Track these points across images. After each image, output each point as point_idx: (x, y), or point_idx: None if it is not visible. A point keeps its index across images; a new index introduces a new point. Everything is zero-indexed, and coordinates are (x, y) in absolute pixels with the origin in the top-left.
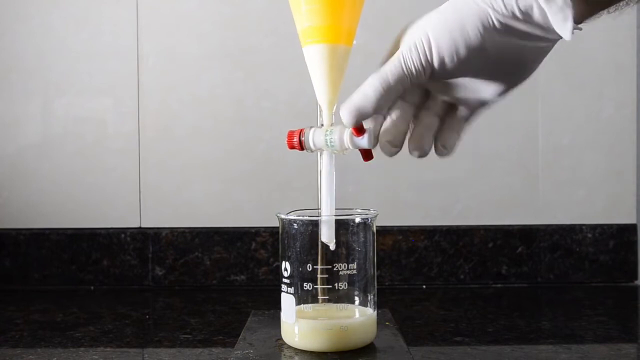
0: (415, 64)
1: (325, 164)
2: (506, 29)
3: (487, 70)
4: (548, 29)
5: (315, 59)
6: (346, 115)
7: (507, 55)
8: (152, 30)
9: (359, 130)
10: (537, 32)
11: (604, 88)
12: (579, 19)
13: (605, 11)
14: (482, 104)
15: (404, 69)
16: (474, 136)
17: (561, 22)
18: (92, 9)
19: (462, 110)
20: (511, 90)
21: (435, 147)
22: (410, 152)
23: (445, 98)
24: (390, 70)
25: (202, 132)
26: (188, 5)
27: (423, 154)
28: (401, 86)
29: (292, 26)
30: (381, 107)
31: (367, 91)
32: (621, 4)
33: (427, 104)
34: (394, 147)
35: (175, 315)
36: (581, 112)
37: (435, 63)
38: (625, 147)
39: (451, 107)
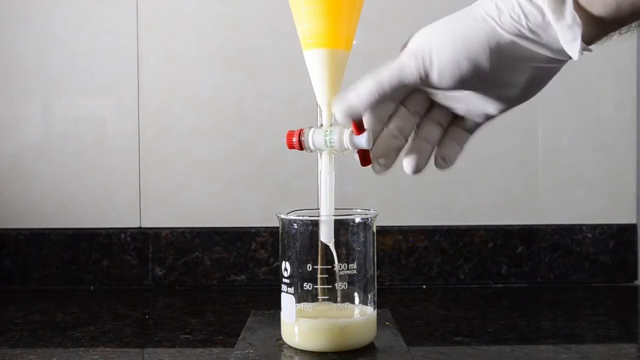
0: (413, 75)
1: (324, 164)
2: (513, 49)
3: (490, 89)
4: (557, 50)
5: (315, 62)
6: (338, 112)
7: (512, 75)
8: (152, 30)
9: (359, 127)
10: (545, 52)
11: (604, 88)
12: (589, 40)
13: (617, 32)
14: (486, 118)
15: (401, 77)
16: (474, 136)
17: (570, 42)
18: (92, 9)
19: (466, 122)
20: (516, 105)
21: (435, 159)
22: (404, 166)
23: (450, 107)
24: (387, 76)
25: (202, 132)
26: (188, 6)
27: (417, 170)
28: (396, 93)
29: (292, 27)
30: (372, 108)
31: (361, 92)
32: (633, 25)
33: (431, 114)
34: (384, 166)
35: (175, 315)
36: (581, 112)
37: (435, 78)
38: (625, 147)
39: (455, 118)
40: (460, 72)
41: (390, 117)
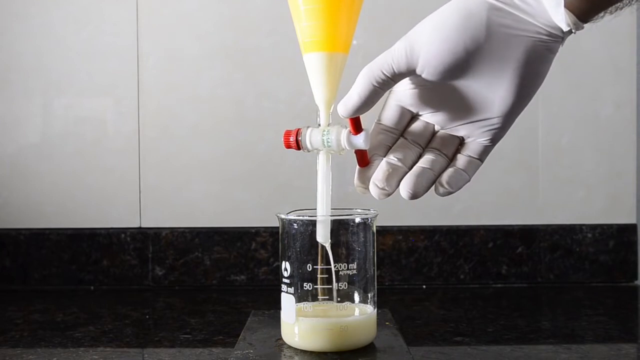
0: (401, 53)
1: (321, 164)
2: (506, 17)
3: (485, 69)
4: (547, 21)
5: (314, 65)
6: (340, 108)
7: (506, 47)
8: (152, 30)
9: (356, 127)
10: (536, 22)
11: (603, 87)
12: (580, 16)
13: (607, 12)
14: (491, 137)
15: (389, 60)
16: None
17: (554, 7)
18: (92, 9)
19: (472, 145)
20: (519, 105)
21: (435, 185)
22: (400, 190)
23: (450, 131)
24: (378, 62)
25: (202, 132)
26: (188, 6)
27: (414, 194)
28: (391, 84)
29: (292, 26)
30: (372, 102)
31: (358, 82)
32: (622, 3)
33: (433, 144)
34: (383, 192)
35: (175, 315)
36: (581, 112)
37: (423, 53)
38: (625, 147)
39: (461, 146)
40: (448, 44)
41: (390, 149)
